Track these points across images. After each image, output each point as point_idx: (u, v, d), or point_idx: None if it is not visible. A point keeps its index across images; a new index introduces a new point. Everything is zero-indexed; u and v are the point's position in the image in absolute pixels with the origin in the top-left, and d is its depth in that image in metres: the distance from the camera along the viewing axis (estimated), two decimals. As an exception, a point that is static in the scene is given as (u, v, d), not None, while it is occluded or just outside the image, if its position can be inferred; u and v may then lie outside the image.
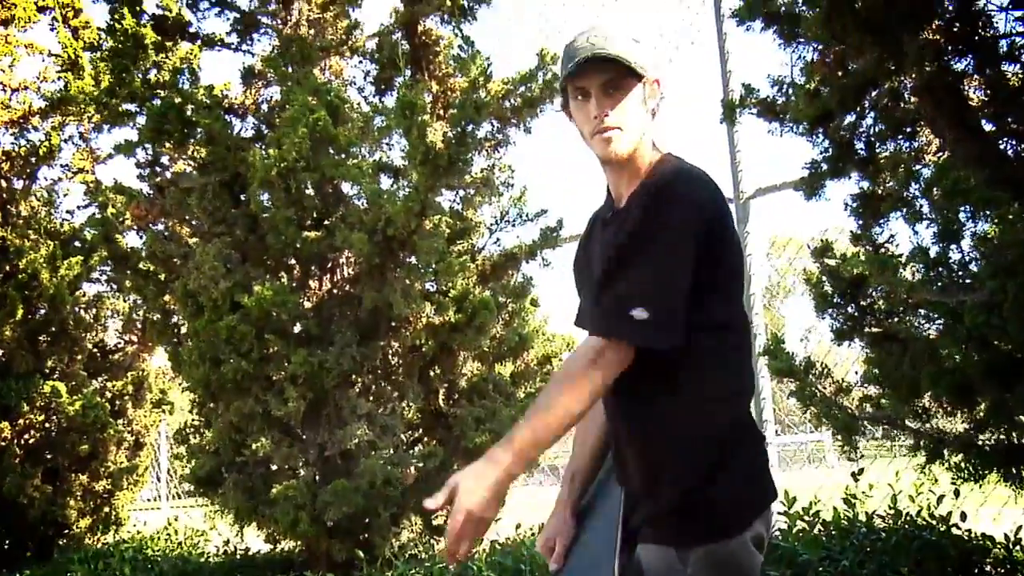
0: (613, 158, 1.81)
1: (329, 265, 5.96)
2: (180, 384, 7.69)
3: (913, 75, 3.29)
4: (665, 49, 5.92)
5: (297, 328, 5.65)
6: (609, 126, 1.78)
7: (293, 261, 5.92)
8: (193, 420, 6.55)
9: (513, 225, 6.16)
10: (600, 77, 1.78)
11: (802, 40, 3.76)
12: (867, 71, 3.38)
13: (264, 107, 6.67)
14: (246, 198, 5.79)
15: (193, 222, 6.14)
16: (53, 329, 8.63)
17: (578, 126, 1.87)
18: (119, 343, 9.56)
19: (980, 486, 3.29)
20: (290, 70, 5.97)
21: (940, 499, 3.64)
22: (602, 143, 1.80)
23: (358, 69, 6.76)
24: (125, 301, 9.34)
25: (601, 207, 2.02)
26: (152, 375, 9.31)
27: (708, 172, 1.80)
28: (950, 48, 3.37)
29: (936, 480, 3.50)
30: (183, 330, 6.30)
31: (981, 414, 3.13)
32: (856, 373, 3.50)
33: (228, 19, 6.70)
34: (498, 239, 6.23)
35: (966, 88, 3.45)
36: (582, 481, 1.99)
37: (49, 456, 8.38)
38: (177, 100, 5.91)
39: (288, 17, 6.40)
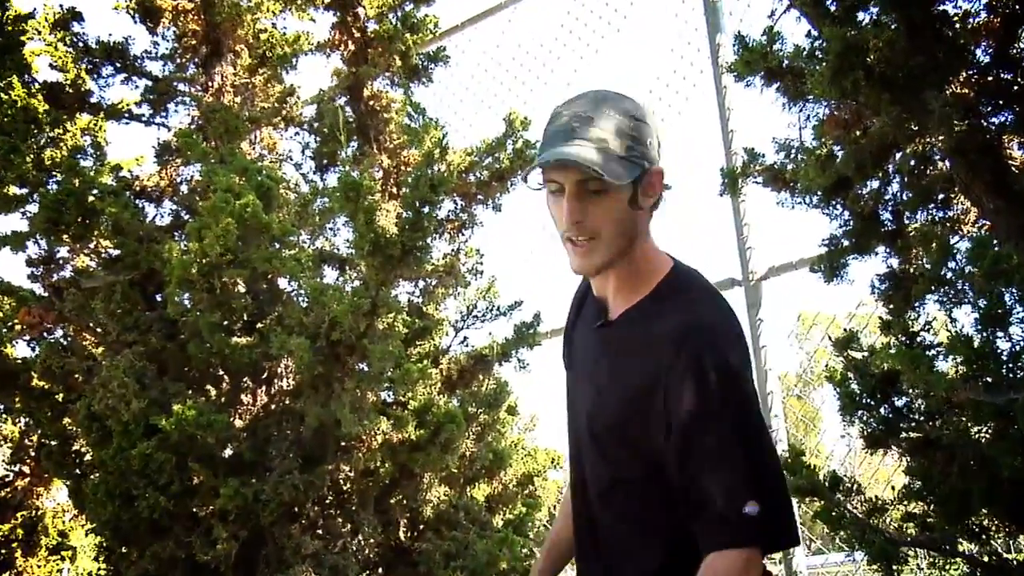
0: (586, 273, 1.89)
1: (264, 376, 5.95)
2: (84, 525, 7.56)
3: (941, 135, 3.40)
4: (662, 111, 6.05)
5: (227, 453, 5.60)
6: (581, 237, 1.82)
7: (221, 373, 5.91)
8: (100, 569, 6.42)
9: (483, 321, 6.19)
10: (577, 174, 1.79)
11: (810, 98, 3.88)
12: (886, 132, 3.49)
13: (183, 188, 6.74)
14: (162, 299, 5.80)
15: (98, 329, 6.12)
16: (-76, 462, 8.49)
17: (552, 213, 1.91)
18: (7, 476, 9.40)
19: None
20: (213, 145, 6.06)
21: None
22: (573, 255, 1.85)
23: (295, 142, 6.91)
24: (15, 424, 9.22)
25: (587, 296, 2.10)
26: (48, 515, 9.13)
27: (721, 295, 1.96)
28: (984, 101, 3.50)
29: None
30: (87, 460, 6.23)
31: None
32: (892, 488, 3.51)
33: (137, 87, 6.82)
34: (465, 338, 6.26)
35: (1007, 146, 3.56)
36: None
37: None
38: (77, 183, 5.95)
39: (209, 83, 6.52)
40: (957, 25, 3.57)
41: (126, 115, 6.80)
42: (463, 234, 6.33)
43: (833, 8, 3.57)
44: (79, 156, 6.45)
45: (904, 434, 3.41)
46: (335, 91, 6.53)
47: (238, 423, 5.75)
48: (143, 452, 5.30)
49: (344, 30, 6.49)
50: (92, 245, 6.12)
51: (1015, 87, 3.49)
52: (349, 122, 6.20)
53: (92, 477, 5.77)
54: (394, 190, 5.98)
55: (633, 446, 1.84)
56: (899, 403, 3.47)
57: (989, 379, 2.93)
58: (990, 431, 3.05)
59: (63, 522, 9.23)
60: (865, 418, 3.48)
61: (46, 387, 6.32)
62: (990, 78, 3.45)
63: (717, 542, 1.68)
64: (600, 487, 1.93)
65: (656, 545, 1.83)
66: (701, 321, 1.80)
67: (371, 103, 6.36)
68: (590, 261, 1.84)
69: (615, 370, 1.89)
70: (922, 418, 3.38)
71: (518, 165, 5.94)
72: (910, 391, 3.39)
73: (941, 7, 3.56)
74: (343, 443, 5.69)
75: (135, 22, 6.75)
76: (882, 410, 3.46)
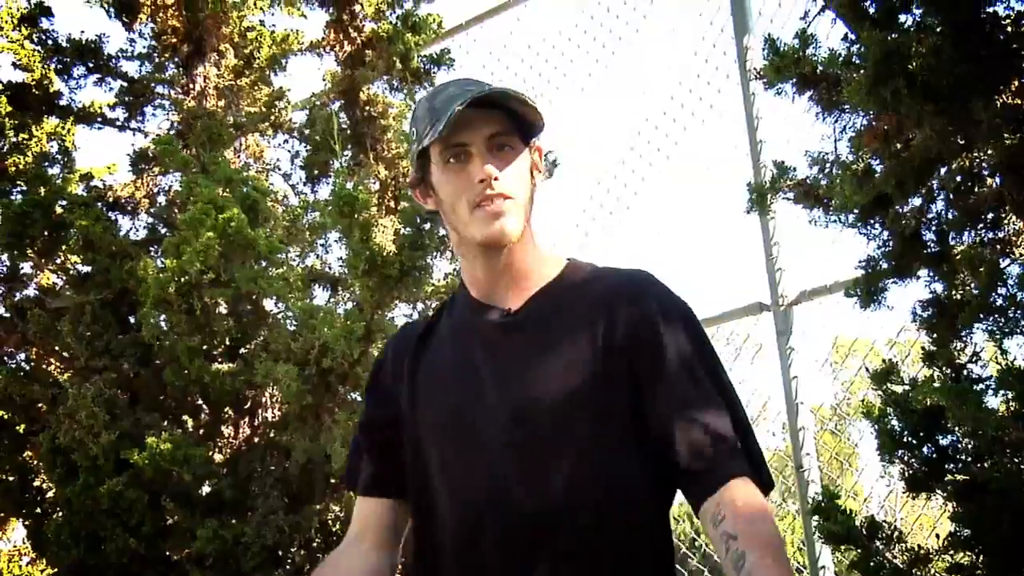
0: (503, 239, 1.81)
1: (247, 406, 5.98)
2: (43, 570, 7.56)
3: (990, 149, 3.43)
4: (684, 119, 6.08)
5: (205, 490, 5.62)
6: (502, 193, 1.80)
7: (200, 402, 5.93)
8: (62, 619, 6.43)
9: (486, 346, 6.21)
10: (487, 129, 1.81)
11: (846, 107, 3.91)
12: (930, 145, 3.52)
13: (161, 199, 6.79)
14: (136, 321, 5.83)
15: (65, 354, 6.15)
16: None
17: (445, 200, 1.87)
18: (-39, 515, 9.42)
19: None
20: (194, 152, 6.10)
21: None
22: (488, 219, 1.79)
23: (283, 150, 6.94)
24: (-29, 458, 9.24)
25: (421, 338, 2.00)
26: (3, 558, 9.15)
27: None
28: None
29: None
30: (49, 497, 6.25)
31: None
32: (937, 536, 3.52)
33: (111, 88, 6.88)
34: (468, 365, 6.27)
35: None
36: None
37: None
38: (43, 192, 5.99)
39: (191, 85, 6.59)
40: (1009, 28, 3.60)
41: (98, 119, 6.87)
42: (466, 253, 6.35)
43: (872, 10, 3.61)
44: (46, 163, 6.51)
45: (950, 477, 3.42)
46: (328, 95, 6.58)
47: (218, 458, 5.77)
48: (112, 489, 5.32)
49: (339, 29, 6.55)
50: (59, 261, 6.17)
51: (1072, 97, 3.51)
52: (343, 129, 6.25)
53: (55, 516, 5.79)
54: (392, 204, 6.02)
55: (593, 417, 1.75)
56: (944, 442, 3.48)
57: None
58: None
59: (19, 566, 9.23)
60: (907, 459, 3.49)
61: (5, 417, 6.34)
62: (1045, 87, 3.48)
63: (728, 474, 1.68)
64: (541, 507, 1.73)
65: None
66: (639, 273, 1.88)
67: (368, 109, 6.41)
68: (509, 222, 1.81)
69: (547, 350, 1.81)
70: (970, 459, 3.39)
71: (527, 177, 5.96)
72: (956, 429, 3.39)
73: (991, 8, 3.59)
74: (333, 480, 5.70)
75: (110, 17, 6.82)
76: (925, 450, 3.47)
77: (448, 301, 2.05)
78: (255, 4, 6.99)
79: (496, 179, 1.79)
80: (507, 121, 1.83)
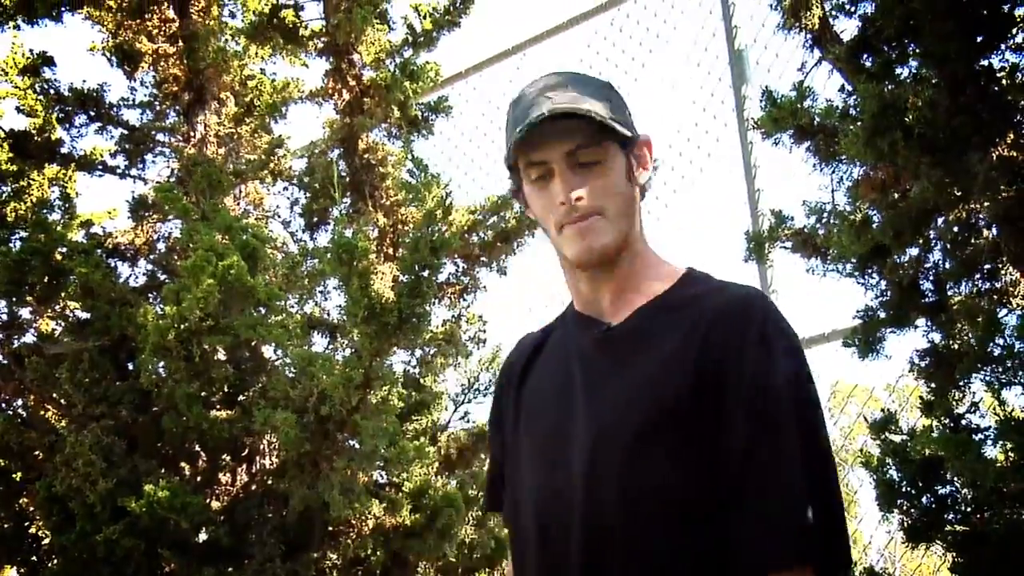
0: (595, 259, 1.70)
1: (245, 454, 5.96)
2: (39, 618, 7.50)
3: (986, 201, 3.46)
4: (682, 167, 6.11)
5: (202, 538, 5.60)
6: (585, 213, 1.68)
7: (198, 449, 5.92)
8: (57, 670, 6.38)
9: (485, 395, 6.22)
10: (565, 144, 1.67)
11: (843, 158, 3.95)
12: (927, 196, 3.55)
13: (160, 246, 6.81)
14: (135, 368, 5.82)
15: (63, 401, 6.14)
16: None
17: (536, 215, 1.79)
18: (-44, 562, 9.37)
19: None
20: (194, 200, 6.13)
21: None
22: (576, 238, 1.69)
23: (283, 197, 6.96)
24: (-34, 505, 9.20)
25: (534, 351, 1.93)
26: (0, 607, 9.08)
27: None
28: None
29: None
30: (44, 545, 6.22)
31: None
32: (939, 587, 3.51)
33: (112, 136, 6.92)
34: (466, 413, 6.29)
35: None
36: None
37: None
38: (43, 239, 6.00)
39: (191, 133, 6.62)
40: (1004, 81, 3.64)
41: (99, 166, 6.89)
42: (465, 299, 6.38)
43: (869, 63, 3.65)
44: (46, 210, 6.53)
45: (949, 527, 3.42)
46: (328, 143, 6.63)
47: (215, 505, 5.74)
48: (109, 537, 5.29)
49: (338, 78, 6.60)
50: (58, 308, 6.17)
51: (1067, 149, 3.54)
52: (342, 177, 6.29)
53: (50, 565, 5.76)
54: (390, 251, 6.05)
55: (674, 447, 1.60)
56: (943, 492, 3.48)
57: (1042, 468, 2.96)
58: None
59: (15, 615, 9.17)
60: (906, 508, 3.49)
61: (2, 464, 6.32)
62: (1039, 140, 3.51)
63: (774, 554, 1.52)
64: (615, 536, 1.62)
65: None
66: (750, 294, 1.67)
67: (366, 156, 6.45)
68: (599, 240, 1.68)
69: (642, 367, 1.67)
70: (969, 510, 3.39)
71: (525, 226, 6.00)
72: (955, 480, 3.40)
73: (986, 61, 3.63)
74: (331, 528, 5.68)
75: (112, 66, 6.88)
76: (924, 500, 3.47)
77: (564, 311, 1.94)
78: (256, 53, 7.05)
79: (580, 199, 1.67)
80: (591, 129, 1.67)
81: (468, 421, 6.29)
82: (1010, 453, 3.10)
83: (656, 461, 1.61)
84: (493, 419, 2.07)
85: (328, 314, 6.36)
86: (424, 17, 6.63)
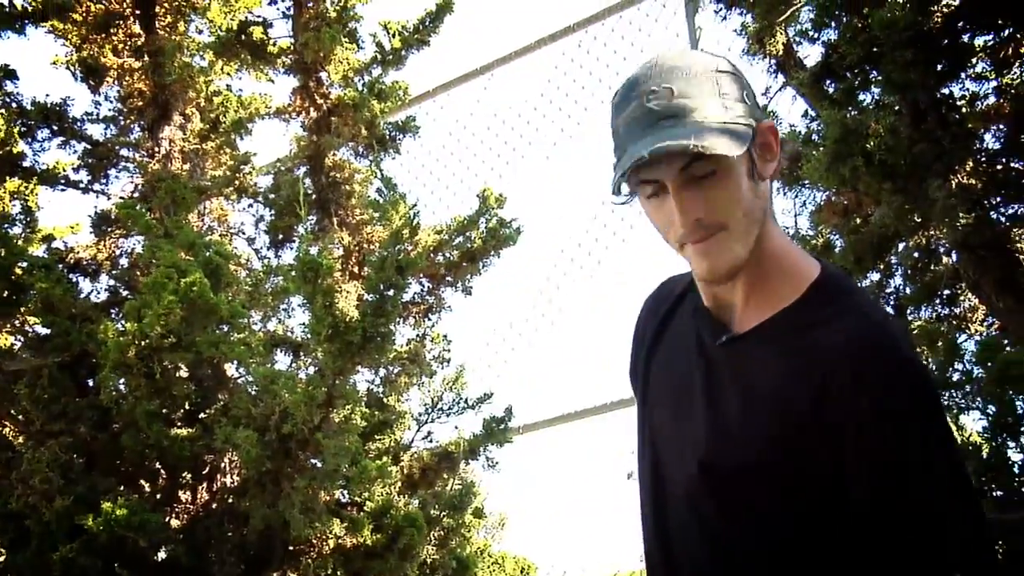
0: (723, 278, 1.58)
1: (206, 472, 5.92)
2: (-6, 637, 7.41)
3: (946, 228, 3.50)
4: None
5: (161, 556, 5.55)
6: (705, 233, 1.54)
7: (158, 467, 5.87)
8: None
9: (448, 414, 6.21)
10: (676, 161, 1.52)
11: (806, 183, 3.98)
12: (888, 223, 3.58)
13: (123, 262, 6.75)
14: (95, 385, 5.77)
15: (20, 417, 6.08)
16: None
17: (657, 229, 1.65)
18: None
19: None
20: (157, 216, 6.09)
21: None
22: (700, 258, 1.56)
23: (248, 214, 6.93)
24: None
25: (670, 315, 1.81)
26: (-46, 624, 8.95)
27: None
28: (993, 192, 3.60)
29: None
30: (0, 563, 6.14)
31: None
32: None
33: (75, 151, 6.86)
34: (429, 433, 6.27)
35: (1017, 241, 3.66)
36: None
37: None
38: (3, 253, 5.94)
39: (156, 149, 6.59)
40: (964, 109, 3.69)
41: (62, 181, 6.83)
42: (429, 318, 6.37)
43: (832, 89, 3.68)
44: (7, 224, 6.46)
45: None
46: (294, 160, 6.61)
47: (174, 523, 5.69)
48: (65, 556, 5.24)
49: (305, 95, 6.59)
50: (18, 323, 6.10)
51: (1026, 177, 3.59)
52: (308, 194, 6.27)
53: (6, 583, 5.69)
54: (356, 269, 6.03)
55: (783, 491, 1.51)
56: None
57: (999, 493, 2.98)
58: (1002, 551, 3.09)
59: (-31, 632, 9.04)
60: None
61: (-43, 481, 6.25)
62: (999, 167, 3.56)
63: None
64: (721, 557, 1.58)
65: None
66: (884, 333, 1.49)
67: (333, 174, 6.44)
68: (724, 258, 1.55)
69: (752, 395, 1.57)
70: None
71: (491, 245, 6.00)
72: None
73: (947, 89, 3.68)
74: (291, 547, 5.64)
75: (76, 80, 6.84)
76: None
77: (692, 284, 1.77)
78: (222, 69, 7.03)
79: (699, 218, 1.52)
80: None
81: (431, 440, 6.27)
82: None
83: (760, 507, 1.53)
84: (631, 368, 1.93)
85: (292, 332, 6.34)
86: (393, 35, 6.64)
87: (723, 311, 1.66)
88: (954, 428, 3.37)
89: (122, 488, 5.65)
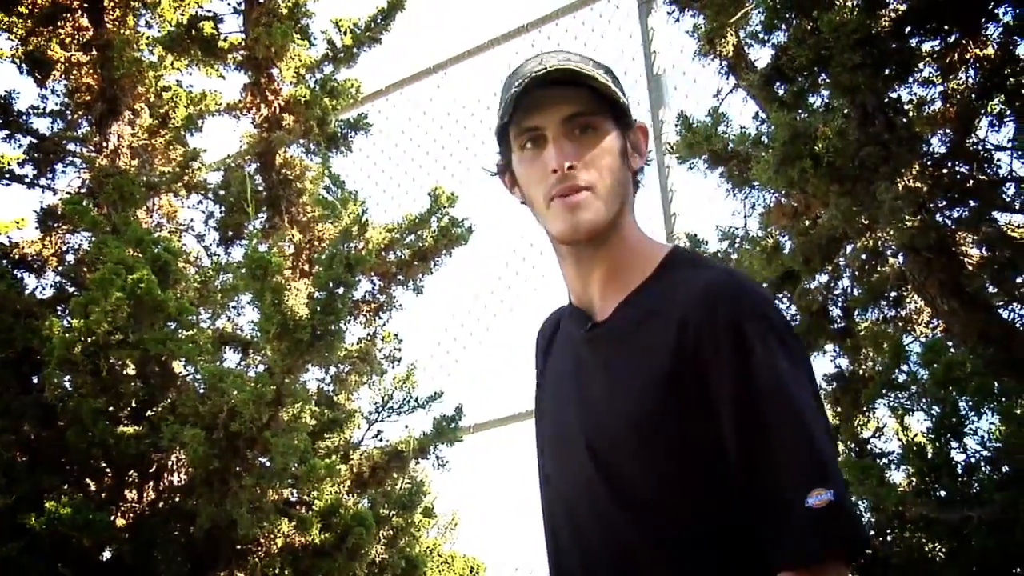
0: (581, 236, 1.59)
1: (152, 470, 5.85)
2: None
3: (892, 230, 3.53)
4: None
5: (106, 556, 5.49)
6: (577, 184, 1.57)
7: (103, 465, 5.79)
8: None
9: (399, 413, 6.19)
10: (563, 109, 1.59)
11: (756, 184, 4.00)
12: (836, 224, 3.61)
13: (69, 258, 6.67)
14: (39, 381, 5.70)
15: (-37, 414, 5.99)
16: None
17: (525, 191, 1.68)
18: None
19: None
20: (104, 212, 6.02)
21: None
22: (563, 212, 1.58)
23: (197, 210, 6.86)
24: None
25: (561, 314, 1.85)
26: None
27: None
28: (938, 195, 3.64)
29: None
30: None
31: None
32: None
33: (21, 145, 6.77)
34: (379, 432, 6.24)
35: (962, 244, 3.70)
36: None
37: None
38: (-57, 249, 5.87)
39: (104, 144, 6.51)
40: (911, 113, 3.72)
41: (6, 175, 6.73)
42: (380, 317, 6.34)
43: (781, 91, 3.71)
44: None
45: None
46: (244, 157, 6.56)
47: (120, 522, 5.62)
48: (8, 555, 5.16)
49: (257, 92, 6.54)
50: (-39, 319, 6.01)
51: (971, 181, 3.63)
52: (258, 191, 6.22)
53: (-54, 584, 5.60)
54: (305, 267, 5.99)
55: (666, 451, 1.53)
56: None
57: (943, 493, 3.01)
58: (944, 550, 3.12)
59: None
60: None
61: None
62: (944, 171, 3.60)
63: (800, 550, 1.41)
64: (619, 544, 1.57)
65: None
66: (731, 276, 1.57)
67: (283, 171, 6.39)
68: (587, 216, 1.57)
69: (620, 369, 1.60)
70: (871, 533, 3.44)
71: (443, 244, 5.99)
72: (858, 504, 3.45)
73: (894, 93, 3.71)
74: (239, 547, 5.59)
75: (21, 73, 6.74)
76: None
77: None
78: (172, 64, 6.96)
79: (571, 168, 1.56)
80: (592, 100, 1.59)
81: (381, 439, 6.24)
82: (912, 478, 3.16)
83: (651, 477, 1.54)
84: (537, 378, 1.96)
85: (241, 330, 6.29)
86: (345, 33, 6.60)
87: (589, 307, 1.69)
88: (900, 429, 3.40)
89: (66, 487, 5.57)
